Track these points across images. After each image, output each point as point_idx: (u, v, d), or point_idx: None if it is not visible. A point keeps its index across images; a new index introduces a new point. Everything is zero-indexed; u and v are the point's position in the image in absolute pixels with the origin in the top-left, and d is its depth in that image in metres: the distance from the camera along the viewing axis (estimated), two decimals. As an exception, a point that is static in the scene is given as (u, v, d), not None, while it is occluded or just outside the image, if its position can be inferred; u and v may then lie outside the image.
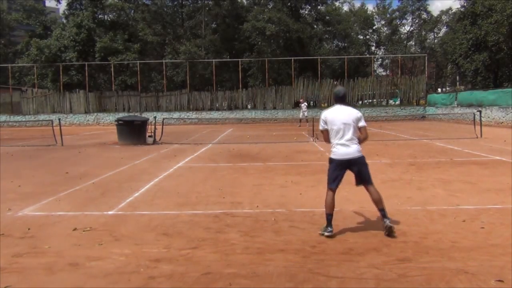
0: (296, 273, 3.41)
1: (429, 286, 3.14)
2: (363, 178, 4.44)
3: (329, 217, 4.35)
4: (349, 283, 3.24)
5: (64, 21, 39.35)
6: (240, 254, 3.89)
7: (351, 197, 5.92)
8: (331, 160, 4.46)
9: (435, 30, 48.40)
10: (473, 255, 3.74)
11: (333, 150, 4.44)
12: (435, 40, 48.49)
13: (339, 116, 4.40)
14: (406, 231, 4.45)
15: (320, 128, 4.56)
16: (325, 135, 4.54)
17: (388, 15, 48.48)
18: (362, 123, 4.44)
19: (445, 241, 4.12)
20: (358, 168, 4.40)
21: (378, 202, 4.36)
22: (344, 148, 4.35)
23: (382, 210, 4.33)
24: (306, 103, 25.55)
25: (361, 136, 4.45)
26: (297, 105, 31.54)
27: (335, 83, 31.54)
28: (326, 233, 4.29)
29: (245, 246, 4.08)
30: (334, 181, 4.42)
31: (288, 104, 31.35)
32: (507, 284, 3.14)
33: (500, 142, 13.20)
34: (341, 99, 4.53)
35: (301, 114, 24.75)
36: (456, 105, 26.50)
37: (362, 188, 4.48)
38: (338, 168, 4.41)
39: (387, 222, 4.25)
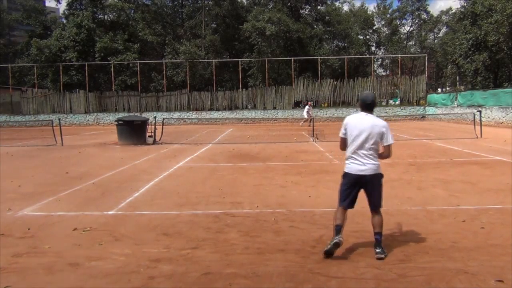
0: (296, 273, 3.40)
1: (429, 286, 3.14)
2: (371, 201, 3.90)
3: (338, 227, 3.79)
4: (349, 283, 3.24)
5: (64, 21, 39.33)
6: (240, 254, 3.88)
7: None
8: (344, 175, 3.94)
9: (435, 30, 48.40)
10: (473, 255, 3.74)
11: (346, 163, 3.93)
12: (435, 40, 48.47)
13: (361, 125, 3.83)
14: (406, 231, 4.45)
15: (340, 135, 4.00)
16: (342, 143, 4.01)
17: (388, 15, 48.47)
18: (388, 141, 3.83)
19: (445, 241, 4.12)
20: (370, 188, 3.87)
21: (377, 226, 3.88)
22: (358, 162, 3.83)
23: (378, 234, 3.83)
24: (308, 107, 24.94)
25: (383, 153, 3.89)
26: (297, 105, 31.60)
27: (335, 83, 31.53)
28: (335, 240, 3.70)
29: (245, 246, 4.08)
30: (345, 199, 3.90)
31: (288, 104, 31.33)
32: (507, 284, 3.14)
33: (500, 142, 13.19)
34: (368, 107, 3.90)
35: (305, 114, 24.61)
36: (456, 105, 26.50)
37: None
38: (350, 184, 3.88)
39: (379, 253, 3.72)
